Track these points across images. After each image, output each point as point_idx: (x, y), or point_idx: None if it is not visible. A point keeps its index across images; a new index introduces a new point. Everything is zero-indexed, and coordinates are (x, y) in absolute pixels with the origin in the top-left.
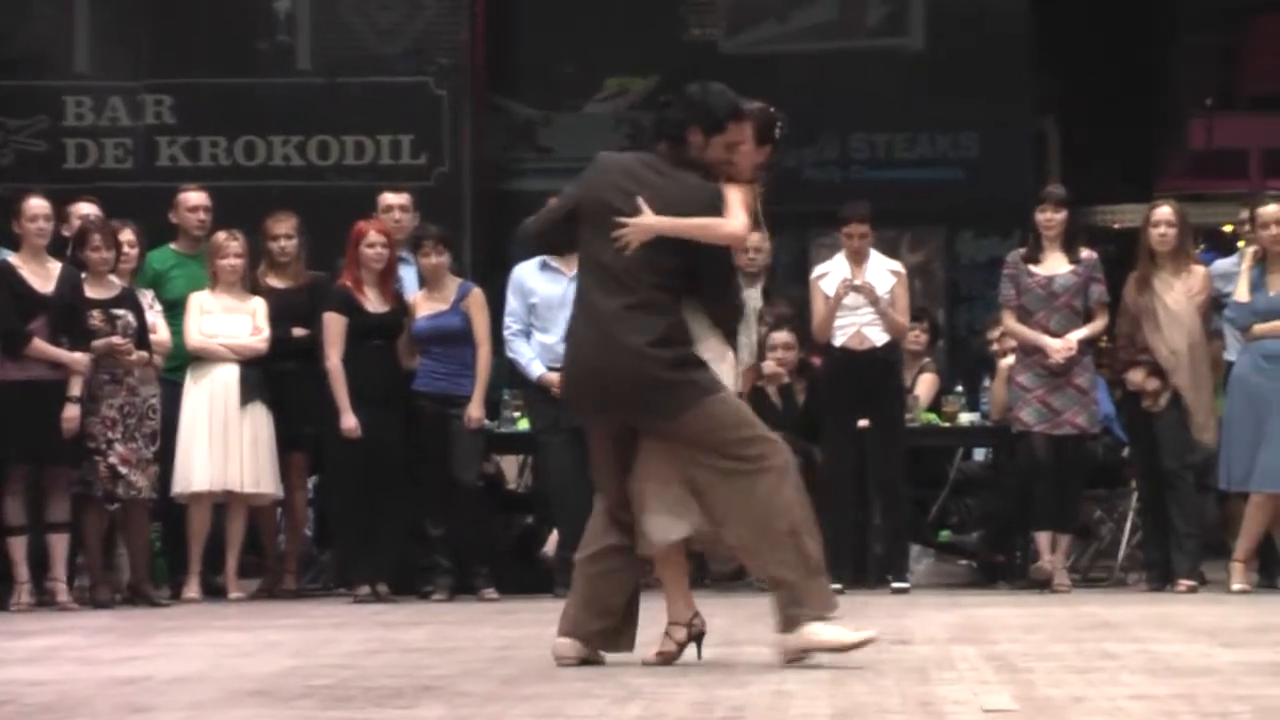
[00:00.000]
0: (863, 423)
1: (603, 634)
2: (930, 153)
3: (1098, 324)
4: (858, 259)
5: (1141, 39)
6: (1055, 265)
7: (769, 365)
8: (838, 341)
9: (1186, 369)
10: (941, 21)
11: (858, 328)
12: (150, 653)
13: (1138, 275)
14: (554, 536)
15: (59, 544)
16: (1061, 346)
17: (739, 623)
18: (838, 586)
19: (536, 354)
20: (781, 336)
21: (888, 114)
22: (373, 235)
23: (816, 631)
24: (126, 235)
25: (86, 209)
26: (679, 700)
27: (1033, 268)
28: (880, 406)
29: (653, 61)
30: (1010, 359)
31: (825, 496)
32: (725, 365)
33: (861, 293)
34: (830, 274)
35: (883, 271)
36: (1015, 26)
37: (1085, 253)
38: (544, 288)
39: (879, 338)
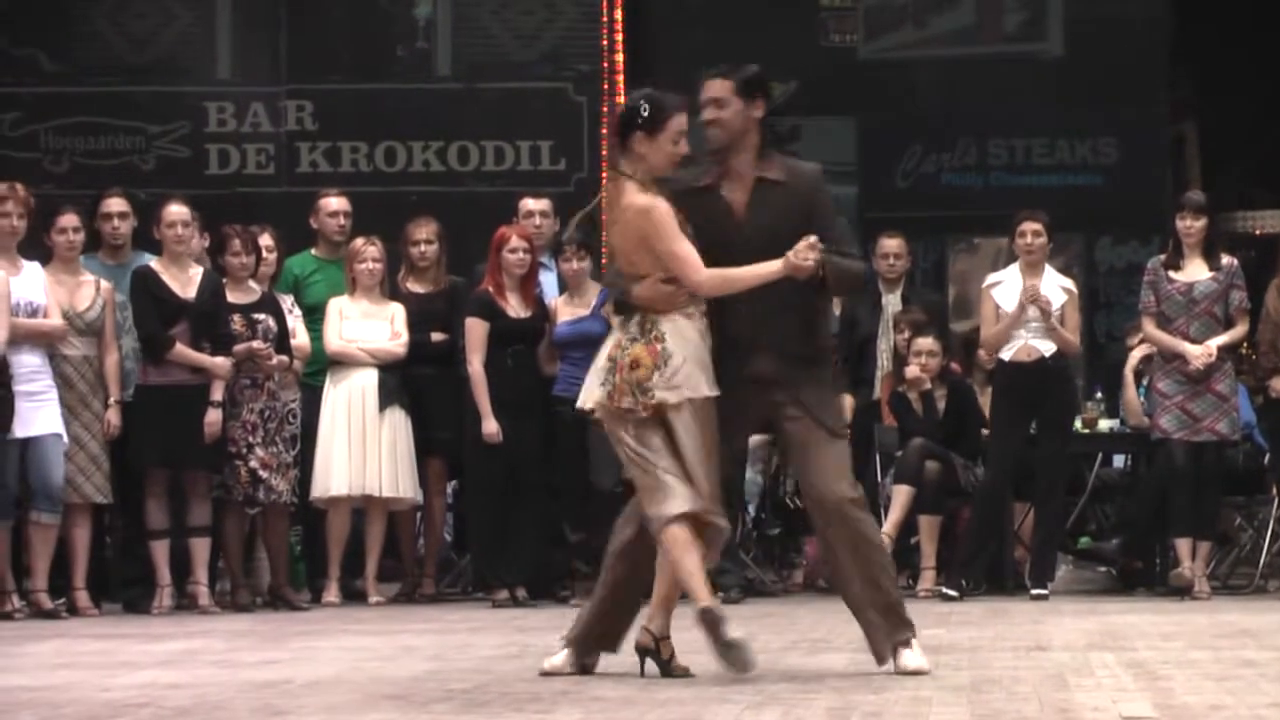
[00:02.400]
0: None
1: None
2: (1069, 158)
3: (1238, 331)
4: (1033, 269)
5: None
6: (1195, 272)
7: (911, 370)
8: (1006, 355)
9: None
10: (1079, 26)
11: (1025, 340)
12: (288, 656)
13: (1279, 282)
14: None
15: (200, 548)
16: (1201, 353)
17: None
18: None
19: None
20: (926, 343)
21: (1025, 119)
22: (515, 240)
23: None
24: (266, 240)
25: (176, 210)
26: (816, 706)
27: (1173, 274)
28: (1050, 413)
29: (791, 67)
30: (1135, 356)
31: (979, 506)
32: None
33: (1038, 305)
34: (1004, 283)
35: (1055, 288)
36: (1153, 31)
37: (1226, 259)
38: None
39: (1047, 348)
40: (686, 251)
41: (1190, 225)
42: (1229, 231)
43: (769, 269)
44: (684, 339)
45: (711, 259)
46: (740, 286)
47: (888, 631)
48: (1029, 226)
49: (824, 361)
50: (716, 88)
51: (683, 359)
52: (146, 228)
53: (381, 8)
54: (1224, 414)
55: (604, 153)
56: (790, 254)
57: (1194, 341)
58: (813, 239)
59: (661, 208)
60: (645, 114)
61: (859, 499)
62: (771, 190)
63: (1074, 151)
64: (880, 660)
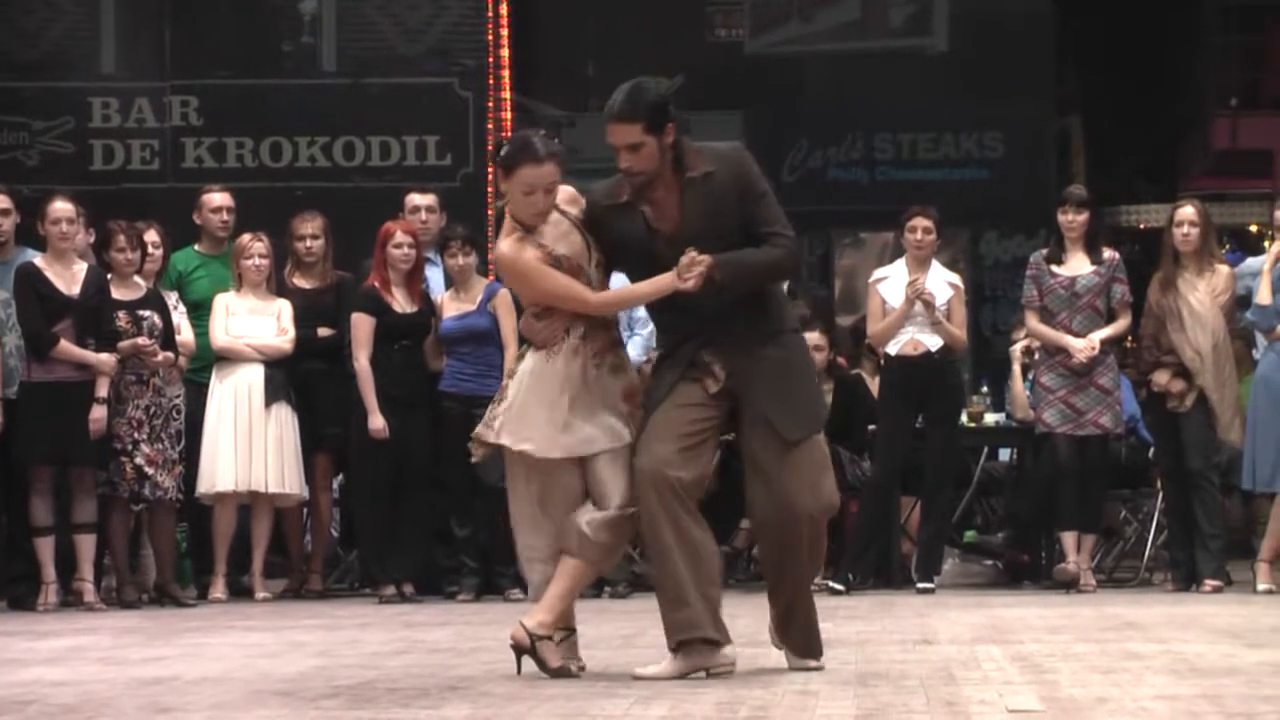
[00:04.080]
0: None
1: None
2: (954, 153)
3: (1120, 324)
4: (920, 264)
5: (1166, 40)
6: (1078, 266)
7: None
8: (892, 350)
9: (1211, 369)
10: (965, 22)
11: (912, 335)
12: (176, 653)
13: (1161, 276)
14: None
15: (85, 544)
16: (1084, 346)
17: (765, 624)
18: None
19: None
20: (812, 337)
21: (911, 114)
22: (399, 236)
23: None
24: (151, 236)
25: (61, 206)
26: (704, 700)
27: (1055, 268)
28: (937, 407)
29: (678, 61)
30: (1018, 348)
31: (867, 500)
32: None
33: (922, 301)
34: (890, 279)
35: (941, 283)
36: (1039, 27)
37: (1108, 253)
38: None
39: (934, 342)
40: (564, 287)
41: (1072, 219)
42: (1114, 225)
43: (662, 282)
44: (529, 383)
45: (637, 274)
46: (636, 302)
47: (806, 642)
48: (920, 223)
49: (786, 344)
50: (624, 133)
51: (509, 405)
52: (31, 224)
53: (267, 3)
54: (1107, 407)
55: (489, 148)
56: (674, 271)
57: (1077, 335)
58: (691, 253)
59: (522, 261)
60: (501, 154)
61: (827, 508)
62: (702, 186)
63: (960, 146)
64: (792, 664)
